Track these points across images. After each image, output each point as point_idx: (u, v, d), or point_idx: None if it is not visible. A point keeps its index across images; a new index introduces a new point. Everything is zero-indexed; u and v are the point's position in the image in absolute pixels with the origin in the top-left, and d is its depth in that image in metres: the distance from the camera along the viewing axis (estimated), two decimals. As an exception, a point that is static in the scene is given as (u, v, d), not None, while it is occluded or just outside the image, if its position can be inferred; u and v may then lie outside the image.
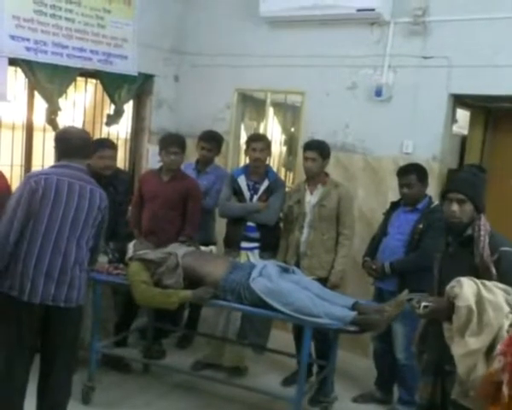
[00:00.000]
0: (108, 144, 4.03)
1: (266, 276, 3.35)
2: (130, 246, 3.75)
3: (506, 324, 2.25)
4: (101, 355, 3.89)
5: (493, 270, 2.45)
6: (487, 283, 2.35)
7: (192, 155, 4.87)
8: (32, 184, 2.76)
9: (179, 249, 3.65)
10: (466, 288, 2.31)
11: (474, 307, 2.27)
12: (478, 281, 2.35)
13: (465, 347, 2.27)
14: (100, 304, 3.65)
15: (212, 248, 4.09)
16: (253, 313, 3.47)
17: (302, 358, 3.34)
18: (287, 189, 4.45)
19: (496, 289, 2.32)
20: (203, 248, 3.96)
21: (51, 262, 2.76)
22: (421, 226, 3.65)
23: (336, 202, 3.93)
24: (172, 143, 4.27)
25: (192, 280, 3.46)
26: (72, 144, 2.93)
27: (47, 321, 2.82)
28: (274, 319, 3.74)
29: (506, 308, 2.27)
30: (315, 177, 4.00)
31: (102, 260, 3.62)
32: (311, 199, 4.00)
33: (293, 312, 3.18)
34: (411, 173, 3.72)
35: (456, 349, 2.31)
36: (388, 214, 3.91)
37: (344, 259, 3.93)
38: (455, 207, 2.57)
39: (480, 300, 2.28)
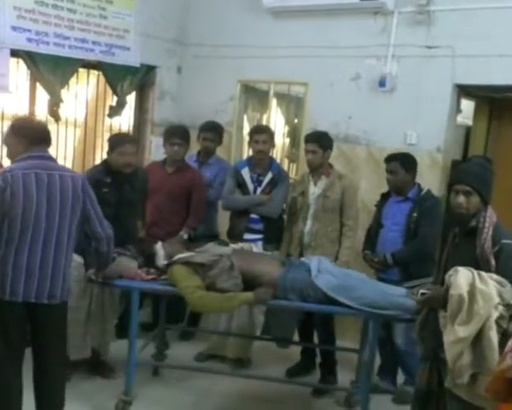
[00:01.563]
0: (129, 140, 3.81)
1: (326, 271, 3.28)
2: (159, 248, 3.51)
3: (495, 315, 2.29)
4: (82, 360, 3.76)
5: (493, 262, 2.48)
6: (483, 274, 2.39)
7: (194, 146, 4.85)
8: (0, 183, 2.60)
9: (218, 249, 3.45)
10: (460, 277, 2.37)
11: (465, 296, 2.32)
12: (475, 271, 2.39)
13: (454, 334, 2.34)
14: (137, 312, 3.39)
15: (244, 245, 3.86)
16: (321, 310, 3.42)
17: (369, 350, 3.34)
18: (290, 180, 4.43)
19: (490, 280, 2.36)
20: (234, 245, 3.75)
21: (30, 259, 2.68)
22: (415, 215, 3.71)
23: (340, 193, 3.92)
24: (176, 134, 4.26)
25: (244, 281, 3.28)
26: (38, 132, 2.78)
27: (33, 320, 2.79)
28: (341, 314, 3.60)
29: (496, 299, 2.31)
30: (318, 168, 3.98)
31: (132, 264, 3.41)
32: (315, 190, 3.98)
33: (362, 305, 3.12)
34: (395, 160, 3.80)
35: (446, 337, 2.38)
36: (380, 205, 3.96)
37: (348, 250, 3.92)
38: (461, 198, 2.58)
39: (472, 290, 2.33)
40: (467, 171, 2.66)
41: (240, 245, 3.73)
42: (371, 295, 3.12)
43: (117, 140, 3.70)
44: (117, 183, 3.54)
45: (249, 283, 3.25)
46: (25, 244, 2.67)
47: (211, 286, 3.22)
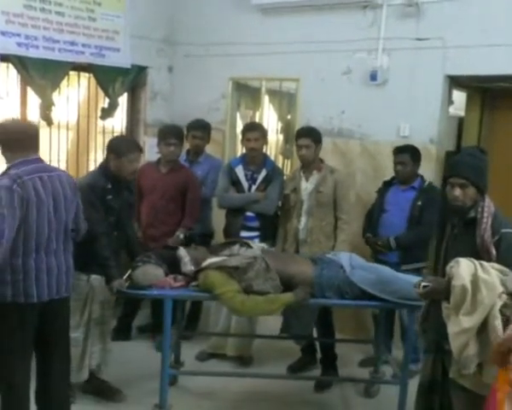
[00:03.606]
0: (138, 146, 3.57)
1: (359, 267, 3.29)
2: (184, 254, 3.40)
3: (498, 303, 2.30)
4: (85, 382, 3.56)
5: (493, 251, 2.49)
6: (485, 263, 2.40)
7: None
8: (16, 189, 2.59)
9: (248, 251, 3.39)
10: (462, 268, 2.37)
11: (468, 286, 2.32)
12: (476, 261, 2.40)
13: (459, 325, 2.34)
14: (170, 321, 3.29)
15: (264, 245, 3.75)
16: (359, 306, 3.45)
17: (406, 342, 3.46)
18: (285, 176, 4.43)
19: (492, 269, 2.37)
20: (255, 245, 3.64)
21: (48, 261, 2.76)
22: (419, 203, 3.95)
23: (333, 187, 3.94)
24: (170, 134, 4.25)
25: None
26: (28, 135, 2.75)
27: (42, 317, 2.81)
28: (379, 308, 3.68)
29: (499, 288, 2.31)
30: (310, 164, 3.99)
31: (158, 272, 3.31)
32: (307, 186, 3.99)
33: (399, 299, 3.15)
34: (406, 152, 4.02)
35: (451, 327, 2.38)
36: (382, 192, 4.15)
37: (344, 243, 3.94)
38: (457, 191, 2.58)
39: (475, 280, 2.33)
40: (460, 163, 2.65)
41: (260, 245, 3.62)
42: (405, 287, 3.10)
43: (125, 146, 3.41)
44: (117, 188, 3.42)
45: (284, 283, 3.23)
46: (41, 247, 2.73)
47: (247, 289, 3.17)
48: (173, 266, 3.38)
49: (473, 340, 2.32)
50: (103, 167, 3.45)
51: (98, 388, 3.63)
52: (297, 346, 4.21)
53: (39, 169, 2.74)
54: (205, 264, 3.27)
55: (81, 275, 3.33)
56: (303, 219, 3.98)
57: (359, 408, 3.79)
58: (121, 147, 3.39)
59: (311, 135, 3.96)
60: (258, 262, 3.23)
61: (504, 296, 2.31)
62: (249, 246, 3.49)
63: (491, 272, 2.35)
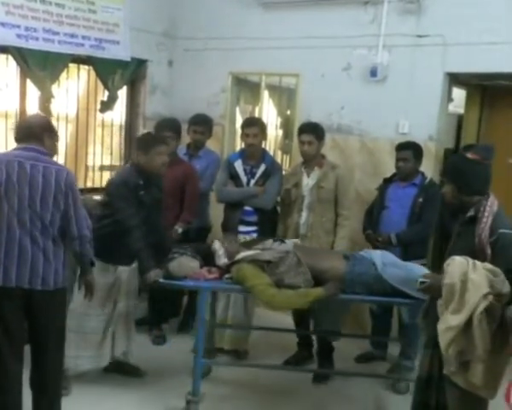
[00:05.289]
0: (162, 139, 3.68)
1: (391, 264, 3.28)
2: (219, 247, 3.48)
3: (483, 304, 2.30)
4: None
5: (488, 251, 2.52)
6: (478, 263, 2.42)
7: (184, 139, 4.83)
8: None
9: (280, 246, 3.44)
10: (454, 266, 2.41)
11: (457, 285, 2.36)
12: (470, 261, 2.43)
13: (446, 322, 2.39)
14: (204, 312, 3.38)
15: (297, 240, 3.77)
16: (390, 302, 3.45)
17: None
18: (283, 172, 4.44)
19: (482, 270, 2.39)
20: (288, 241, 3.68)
21: (21, 244, 2.74)
22: (420, 200, 3.94)
23: (334, 183, 3.94)
24: (166, 127, 4.24)
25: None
26: (28, 126, 2.87)
27: (29, 310, 2.81)
28: (408, 306, 3.62)
29: (485, 289, 2.32)
30: (312, 159, 3.99)
31: (193, 264, 3.39)
32: (308, 181, 4.00)
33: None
34: (408, 149, 4.01)
35: (440, 324, 2.43)
36: (382, 189, 4.13)
37: (343, 240, 3.96)
38: (444, 189, 2.77)
39: (465, 279, 2.36)
40: (447, 163, 2.85)
41: (291, 242, 3.62)
42: None
43: (150, 141, 3.56)
44: (148, 184, 3.52)
45: (315, 278, 3.25)
46: (14, 231, 2.72)
47: (279, 283, 3.20)
48: (208, 258, 3.47)
49: (458, 338, 2.35)
50: (135, 165, 3.56)
51: (118, 367, 3.79)
52: (293, 340, 4.22)
53: (25, 156, 2.76)
54: (238, 257, 3.33)
55: (107, 266, 3.49)
56: (304, 214, 3.99)
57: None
58: (147, 142, 3.53)
59: (314, 131, 3.96)
60: (289, 257, 3.28)
61: (490, 297, 2.32)
62: (283, 241, 3.55)
63: (481, 273, 2.37)
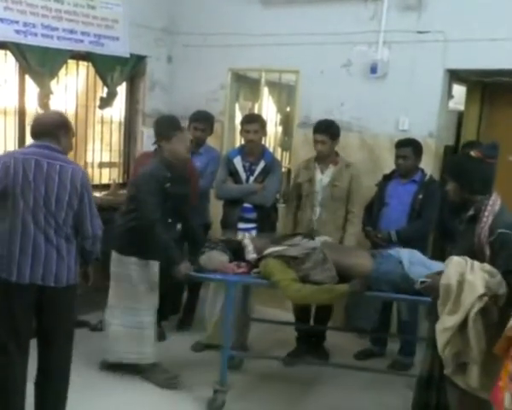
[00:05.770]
0: (181, 125, 3.71)
1: (419, 263, 3.26)
2: (248, 242, 3.54)
3: (478, 305, 2.29)
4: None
5: (487, 251, 2.51)
6: (476, 264, 2.41)
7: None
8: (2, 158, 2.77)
9: (308, 242, 3.47)
10: (452, 267, 2.41)
11: (453, 286, 2.35)
12: (469, 261, 2.41)
13: (442, 323, 2.39)
14: (231, 305, 3.44)
15: (326, 238, 3.75)
16: (416, 301, 3.43)
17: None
18: (285, 169, 4.44)
19: (479, 270, 2.37)
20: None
21: (35, 242, 2.74)
22: (420, 197, 3.94)
23: (348, 181, 4.01)
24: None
25: (336, 273, 3.30)
26: (41, 124, 2.88)
27: (40, 306, 2.81)
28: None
29: (480, 290, 2.30)
30: (326, 158, 4.05)
31: (223, 258, 3.46)
32: (322, 178, 4.05)
33: None
34: (408, 146, 4.00)
35: (437, 325, 2.43)
36: (382, 186, 4.13)
37: (352, 236, 4.02)
38: (447, 186, 2.77)
39: (462, 280, 2.35)
40: (450, 161, 2.83)
41: (319, 239, 3.62)
42: None
43: (171, 126, 3.59)
44: (174, 176, 3.53)
45: (341, 275, 3.26)
46: (29, 227, 2.73)
47: (304, 279, 3.24)
48: (237, 253, 3.53)
49: (454, 339, 2.35)
50: (160, 157, 3.59)
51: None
52: (292, 336, 4.23)
53: (41, 154, 2.77)
54: (266, 252, 3.39)
55: (139, 261, 3.58)
56: (317, 211, 4.04)
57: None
58: (168, 128, 3.56)
59: (328, 131, 4.00)
60: (316, 253, 3.31)
61: (486, 298, 2.30)
62: (312, 238, 3.58)
63: (477, 273, 2.36)
